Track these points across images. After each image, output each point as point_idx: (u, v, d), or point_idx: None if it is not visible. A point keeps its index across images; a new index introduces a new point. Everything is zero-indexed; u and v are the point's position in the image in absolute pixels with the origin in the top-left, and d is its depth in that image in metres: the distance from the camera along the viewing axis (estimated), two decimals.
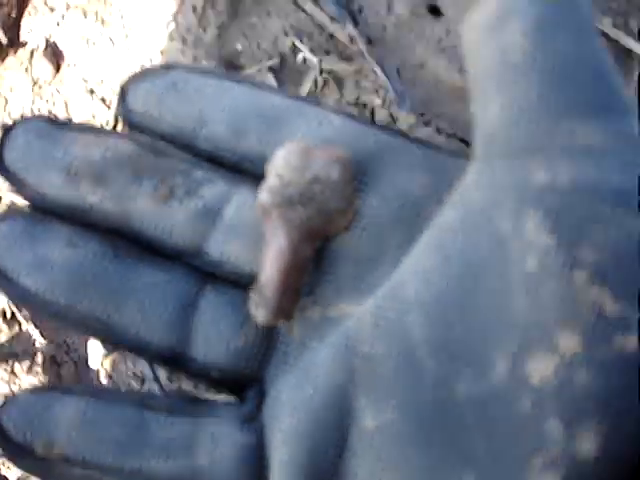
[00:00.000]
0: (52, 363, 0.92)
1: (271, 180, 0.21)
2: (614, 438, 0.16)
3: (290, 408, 0.20)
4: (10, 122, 0.23)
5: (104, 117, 0.93)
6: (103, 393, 0.23)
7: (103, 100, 0.94)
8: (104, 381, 0.92)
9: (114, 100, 0.93)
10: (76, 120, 0.94)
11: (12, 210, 0.23)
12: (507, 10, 0.19)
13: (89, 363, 0.92)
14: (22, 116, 0.26)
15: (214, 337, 0.22)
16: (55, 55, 0.96)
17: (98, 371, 0.92)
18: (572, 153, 0.17)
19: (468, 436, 0.18)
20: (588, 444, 0.16)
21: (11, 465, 0.89)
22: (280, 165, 0.20)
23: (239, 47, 0.91)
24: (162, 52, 0.92)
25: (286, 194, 0.20)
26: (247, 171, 0.23)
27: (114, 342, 0.23)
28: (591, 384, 0.15)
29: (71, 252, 0.22)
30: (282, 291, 0.20)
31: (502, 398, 0.17)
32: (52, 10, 0.97)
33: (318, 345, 0.21)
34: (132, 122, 0.24)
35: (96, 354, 0.91)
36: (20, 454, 0.22)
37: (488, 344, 0.18)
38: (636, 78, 0.89)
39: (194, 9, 0.91)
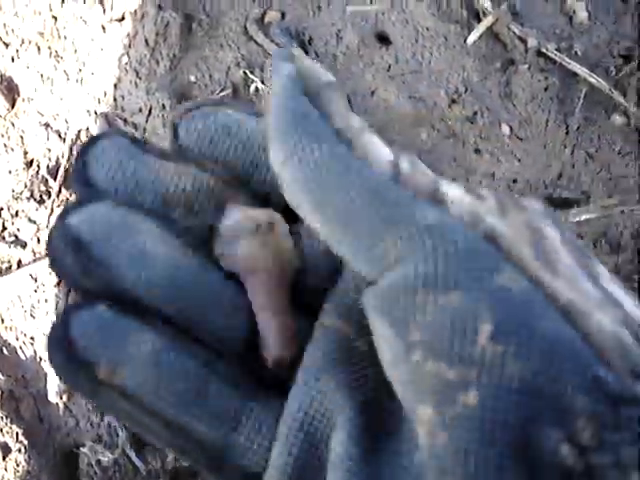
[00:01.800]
0: (10, 398, 0.92)
1: (225, 243, 0.24)
2: None
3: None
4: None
5: (59, 150, 0.93)
6: (178, 339, 0.22)
7: (58, 133, 0.94)
8: (63, 415, 0.91)
9: (69, 134, 0.94)
10: (35, 152, 0.94)
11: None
12: None
13: (48, 397, 0.91)
14: (102, 132, 0.27)
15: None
16: (10, 90, 0.97)
17: (57, 405, 0.91)
18: (383, 265, 0.19)
19: None
20: None
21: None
22: (229, 226, 0.23)
23: (192, 78, 0.92)
24: (115, 85, 0.92)
25: (242, 244, 0.23)
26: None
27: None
28: (448, 443, 0.17)
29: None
30: (279, 328, 0.23)
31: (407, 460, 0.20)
32: (7, 45, 0.97)
33: None
34: (182, 155, 0.25)
35: (55, 388, 0.91)
36: (77, 368, 0.21)
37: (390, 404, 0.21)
38: (582, 100, 0.91)
39: (146, 42, 0.92)
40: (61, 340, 0.21)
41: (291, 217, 0.23)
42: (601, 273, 0.19)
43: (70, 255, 0.22)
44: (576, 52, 0.93)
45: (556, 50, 0.91)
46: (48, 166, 0.93)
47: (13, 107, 0.96)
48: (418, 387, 0.18)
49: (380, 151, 0.20)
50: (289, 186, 0.20)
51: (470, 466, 0.17)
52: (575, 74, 0.91)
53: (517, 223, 0.19)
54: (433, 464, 0.17)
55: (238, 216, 0.23)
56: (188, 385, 0.22)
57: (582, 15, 0.94)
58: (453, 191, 0.19)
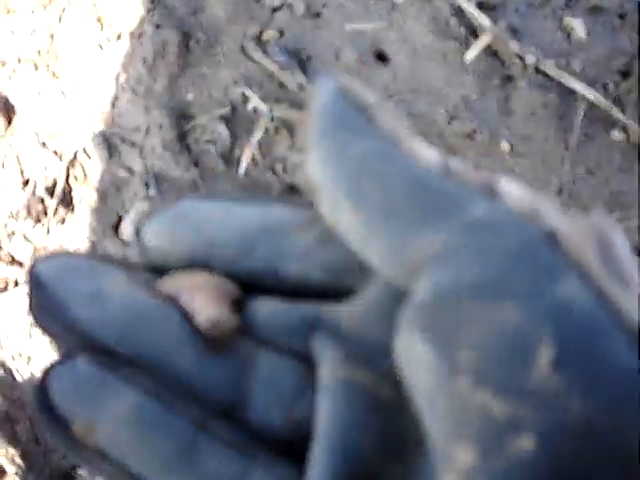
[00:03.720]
0: (6, 419, 0.90)
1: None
2: None
3: None
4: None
5: (56, 169, 0.93)
6: (165, 394, 0.21)
7: (55, 152, 0.94)
8: None
9: (66, 152, 0.93)
10: (31, 172, 0.93)
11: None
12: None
13: None
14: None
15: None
16: (7, 108, 0.96)
17: None
18: (424, 265, 0.17)
19: None
20: None
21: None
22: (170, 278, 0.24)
23: (190, 97, 0.91)
24: (113, 103, 0.92)
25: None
26: (258, 285, 0.23)
27: None
28: None
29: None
30: (207, 299, 0.22)
31: None
32: (3, 64, 0.97)
33: None
34: (149, 258, 0.24)
35: None
36: (56, 425, 0.20)
37: (419, 456, 0.18)
38: (581, 116, 0.91)
39: (144, 60, 0.91)
40: (40, 396, 0.20)
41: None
42: None
43: (32, 294, 0.22)
44: (574, 69, 0.93)
45: (555, 67, 0.91)
46: (45, 185, 0.93)
47: (10, 126, 0.96)
48: (459, 423, 0.15)
49: (428, 151, 0.18)
50: (328, 186, 0.19)
51: None
52: (574, 91, 0.91)
53: (582, 226, 0.17)
54: None
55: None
56: (176, 446, 0.20)
57: (580, 32, 0.94)
58: (511, 186, 0.17)
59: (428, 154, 0.18)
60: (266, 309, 0.22)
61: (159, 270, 0.24)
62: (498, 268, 0.15)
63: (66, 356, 0.21)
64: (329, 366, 0.20)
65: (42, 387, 0.20)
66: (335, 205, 0.19)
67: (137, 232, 0.24)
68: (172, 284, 0.23)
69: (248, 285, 0.23)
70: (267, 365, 0.22)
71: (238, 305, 0.23)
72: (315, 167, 0.19)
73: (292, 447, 0.21)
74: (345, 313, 0.21)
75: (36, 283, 0.22)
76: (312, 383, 0.21)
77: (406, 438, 0.19)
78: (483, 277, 0.16)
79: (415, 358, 0.17)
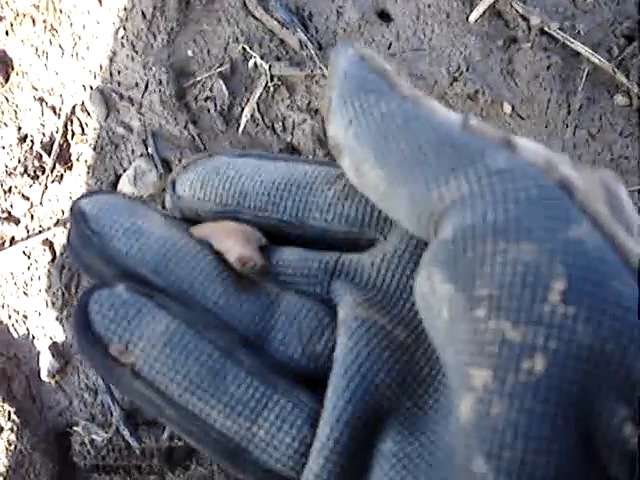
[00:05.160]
0: (3, 377, 0.90)
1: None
2: (539, 467, 0.15)
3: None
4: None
5: (54, 126, 0.92)
6: (195, 321, 0.22)
7: (53, 108, 0.93)
8: (56, 394, 0.90)
9: (64, 109, 0.92)
10: (29, 128, 0.92)
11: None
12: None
13: (41, 376, 0.90)
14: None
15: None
16: (4, 64, 0.95)
17: (50, 384, 0.90)
18: (447, 210, 0.18)
19: None
20: (515, 476, 0.16)
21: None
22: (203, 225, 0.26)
23: (189, 53, 0.90)
24: (111, 59, 0.91)
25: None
26: (285, 234, 0.25)
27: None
28: (507, 414, 0.16)
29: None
30: (237, 242, 0.24)
31: (444, 443, 0.19)
32: (1, 19, 0.95)
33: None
34: (181, 207, 0.26)
35: (48, 367, 0.90)
36: (93, 345, 0.22)
37: (431, 395, 0.20)
38: (584, 79, 0.90)
39: (144, 15, 0.90)
40: (80, 317, 0.22)
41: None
42: None
43: (74, 227, 0.24)
44: (579, 31, 0.92)
45: (559, 29, 0.90)
46: (42, 141, 0.92)
47: (7, 81, 0.94)
48: (477, 348, 0.16)
49: (447, 109, 0.20)
50: (352, 145, 0.20)
51: (532, 442, 0.15)
52: (578, 53, 0.90)
53: (592, 177, 0.18)
54: (483, 435, 0.16)
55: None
56: (202, 369, 0.21)
57: None
58: (526, 141, 0.19)
59: (448, 112, 0.20)
60: (290, 256, 0.24)
61: (191, 221, 0.26)
62: (518, 211, 0.17)
63: (104, 284, 0.23)
64: (349, 307, 0.22)
65: (82, 309, 0.22)
66: (359, 163, 0.20)
67: (172, 184, 0.26)
68: (204, 229, 0.25)
69: (274, 237, 0.25)
70: (290, 304, 0.23)
71: (264, 251, 0.25)
72: (339, 128, 0.20)
73: (311, 380, 0.22)
74: (365, 262, 0.23)
75: (79, 217, 0.24)
76: (331, 324, 0.23)
77: (419, 376, 0.21)
78: (504, 219, 0.17)
79: (435, 291, 0.18)
